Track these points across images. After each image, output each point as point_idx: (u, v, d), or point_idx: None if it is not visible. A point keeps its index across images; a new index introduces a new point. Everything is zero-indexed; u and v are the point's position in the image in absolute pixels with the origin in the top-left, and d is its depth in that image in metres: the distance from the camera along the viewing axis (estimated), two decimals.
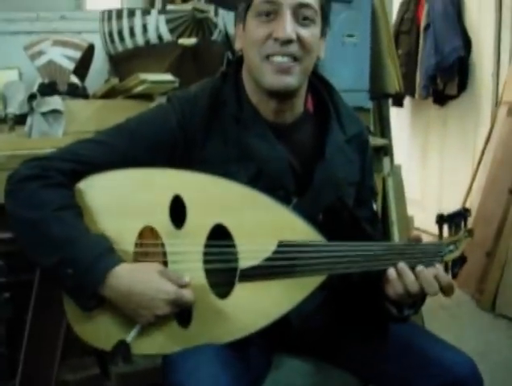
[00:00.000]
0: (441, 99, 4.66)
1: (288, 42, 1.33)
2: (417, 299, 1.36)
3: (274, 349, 1.55)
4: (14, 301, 1.90)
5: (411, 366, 1.42)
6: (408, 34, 4.76)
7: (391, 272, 1.32)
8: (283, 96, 1.41)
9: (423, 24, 4.63)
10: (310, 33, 1.36)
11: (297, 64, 1.36)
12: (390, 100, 3.33)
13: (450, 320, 2.91)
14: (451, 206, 1.38)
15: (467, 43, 4.37)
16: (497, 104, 4.04)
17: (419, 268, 1.32)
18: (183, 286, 1.29)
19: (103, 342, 1.35)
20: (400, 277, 1.32)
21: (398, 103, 4.63)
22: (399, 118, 4.85)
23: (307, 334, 1.54)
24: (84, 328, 1.36)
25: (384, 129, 2.93)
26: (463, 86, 4.46)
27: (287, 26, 1.33)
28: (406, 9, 4.80)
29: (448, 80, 4.46)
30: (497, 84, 4.17)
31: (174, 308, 1.29)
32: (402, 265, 1.32)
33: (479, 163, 3.96)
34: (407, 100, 4.93)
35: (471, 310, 3.46)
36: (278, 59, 1.35)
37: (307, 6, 1.35)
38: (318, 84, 1.53)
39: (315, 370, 1.56)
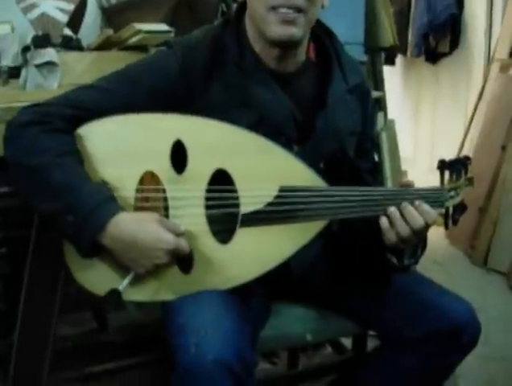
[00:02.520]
0: (433, 57, 4.64)
1: None
2: (412, 242, 1.35)
3: (274, 297, 1.56)
4: (10, 256, 1.90)
5: (409, 311, 1.44)
6: None
7: (383, 221, 1.33)
8: (287, 45, 1.40)
9: None
10: None
11: (302, 15, 1.35)
12: (383, 57, 3.32)
13: (443, 276, 2.93)
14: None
15: (459, 1, 4.34)
16: (489, 61, 4.02)
17: (403, 204, 1.32)
18: (179, 235, 1.29)
19: (101, 288, 1.35)
20: (391, 221, 1.32)
21: (391, 61, 4.60)
22: (391, 77, 4.82)
23: (306, 281, 1.55)
24: (83, 273, 1.37)
25: (378, 82, 2.93)
26: (455, 44, 4.44)
27: None
28: None
29: (441, 37, 4.44)
30: (490, 41, 4.15)
31: (172, 257, 1.29)
32: (392, 209, 1.32)
33: (471, 120, 3.96)
34: (399, 59, 4.90)
35: (464, 265, 3.49)
36: (283, 10, 1.33)
37: None
38: (320, 33, 1.51)
39: (313, 316, 1.59)
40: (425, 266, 1.50)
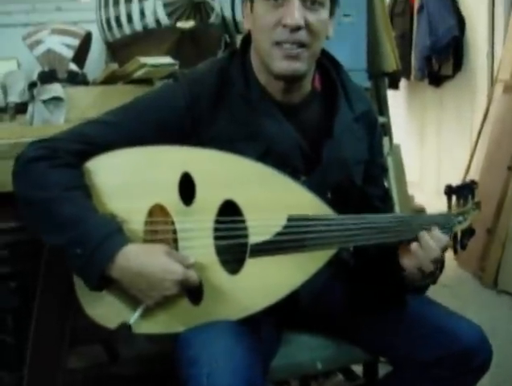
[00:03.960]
0: (437, 80, 4.67)
1: (297, 28, 1.32)
2: (429, 270, 1.35)
3: (283, 326, 1.56)
4: (20, 290, 1.90)
5: (420, 336, 1.44)
6: (402, 16, 4.78)
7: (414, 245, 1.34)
8: (291, 79, 1.40)
9: (416, 5, 4.65)
10: (318, 18, 1.35)
11: (305, 50, 1.36)
12: (386, 82, 3.34)
13: (453, 298, 2.93)
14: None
15: (461, 23, 4.38)
16: (492, 82, 4.04)
17: (420, 233, 1.33)
18: (189, 267, 1.29)
19: (109, 321, 1.35)
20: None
21: (394, 85, 4.62)
22: (396, 101, 4.86)
23: (315, 310, 1.55)
24: (93, 307, 1.37)
25: (382, 108, 2.93)
26: (458, 66, 4.47)
27: (296, 13, 1.31)
28: None
29: (443, 60, 4.47)
30: (492, 62, 4.17)
31: (181, 288, 1.29)
32: (414, 246, 1.33)
33: (476, 142, 3.96)
34: (403, 83, 4.94)
35: (473, 287, 3.49)
36: (287, 45, 1.34)
37: None
38: (325, 62, 1.52)
39: (323, 344, 1.59)
40: (434, 289, 1.49)
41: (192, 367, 1.23)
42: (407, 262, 1.35)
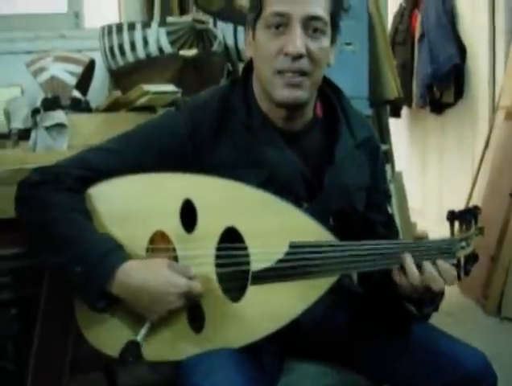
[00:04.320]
0: (438, 107, 4.68)
1: (299, 57, 1.33)
2: (432, 295, 1.35)
3: (285, 354, 1.54)
4: (21, 317, 1.89)
5: (423, 362, 1.42)
6: (403, 45, 4.80)
7: (395, 273, 1.33)
8: (293, 107, 1.41)
9: (417, 34, 4.66)
10: (320, 46, 1.36)
11: (307, 79, 1.37)
12: (388, 110, 3.35)
13: (456, 326, 2.90)
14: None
15: (462, 51, 4.40)
16: (494, 109, 4.05)
17: (424, 264, 1.32)
18: (191, 278, 1.29)
19: (112, 347, 1.35)
20: (405, 274, 1.32)
21: (396, 113, 4.64)
22: (397, 129, 4.86)
23: (317, 337, 1.53)
24: (95, 333, 1.37)
25: (384, 135, 2.94)
26: (459, 94, 4.48)
27: (298, 41, 1.33)
28: (399, 20, 4.84)
29: (445, 88, 4.48)
30: (494, 89, 4.18)
31: (185, 301, 1.29)
32: (408, 260, 1.32)
33: (479, 169, 3.96)
34: (405, 111, 4.94)
35: (477, 315, 3.46)
36: (288, 74, 1.35)
37: (317, 18, 1.35)
38: (327, 89, 1.53)
39: (326, 372, 1.56)
40: (437, 317, 1.49)
41: None
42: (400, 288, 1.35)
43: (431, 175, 4.98)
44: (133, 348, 1.31)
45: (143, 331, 1.31)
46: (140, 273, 1.28)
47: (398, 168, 3.41)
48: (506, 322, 3.32)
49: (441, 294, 1.38)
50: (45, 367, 1.77)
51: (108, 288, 1.27)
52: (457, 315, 3.35)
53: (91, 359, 1.76)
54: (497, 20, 4.11)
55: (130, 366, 1.43)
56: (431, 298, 1.37)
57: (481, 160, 3.95)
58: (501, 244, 3.45)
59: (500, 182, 3.62)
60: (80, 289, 1.30)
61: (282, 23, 1.35)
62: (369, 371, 1.54)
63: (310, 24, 1.35)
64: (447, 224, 1.39)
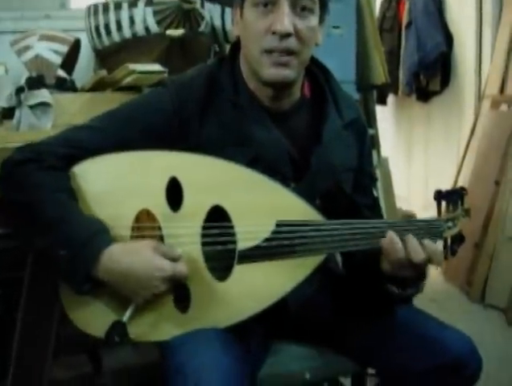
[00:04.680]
0: (424, 95, 4.69)
1: (286, 35, 1.32)
2: (411, 274, 1.32)
3: (272, 336, 1.54)
4: (4, 299, 1.88)
5: (410, 346, 1.42)
6: (390, 32, 4.80)
7: (383, 240, 1.30)
8: (280, 86, 1.40)
9: (404, 22, 4.67)
10: (308, 24, 1.35)
11: (294, 58, 1.36)
12: (375, 96, 3.35)
13: (440, 313, 2.90)
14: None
15: (449, 39, 4.41)
16: (480, 98, 4.07)
17: (407, 236, 1.30)
18: (176, 260, 1.28)
19: (98, 328, 1.33)
20: (390, 243, 1.30)
21: (382, 100, 4.65)
22: (383, 116, 4.87)
23: (304, 319, 1.53)
24: (80, 315, 1.36)
25: (370, 120, 2.94)
26: (446, 82, 4.50)
27: (285, 20, 1.32)
28: (387, 7, 4.84)
29: (431, 76, 4.49)
30: (480, 78, 4.20)
31: (170, 285, 1.27)
32: (391, 233, 1.30)
33: (464, 157, 3.98)
34: (391, 98, 4.96)
35: (461, 302, 3.49)
36: (276, 54, 1.34)
37: None
38: (315, 69, 1.52)
39: (312, 354, 1.57)
40: (421, 304, 1.49)
41: (179, 377, 1.21)
42: (384, 263, 1.33)
43: (416, 163, 5.00)
44: (119, 328, 1.29)
45: (128, 312, 1.29)
46: (124, 258, 1.26)
47: (383, 155, 3.41)
48: (490, 309, 3.34)
49: (423, 275, 1.37)
50: (28, 349, 1.75)
51: (93, 271, 1.25)
52: (441, 302, 3.36)
53: (75, 342, 1.75)
54: (484, 9, 4.12)
55: (114, 348, 1.42)
56: (413, 280, 1.36)
57: (467, 148, 3.97)
58: (486, 231, 3.48)
59: (485, 169, 3.64)
60: (65, 272, 1.28)
61: (269, 1, 1.33)
62: (355, 354, 1.54)
63: (298, 2, 1.34)
64: (432, 211, 1.38)
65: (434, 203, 1.38)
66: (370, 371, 1.69)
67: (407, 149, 5.11)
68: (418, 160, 4.97)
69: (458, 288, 3.61)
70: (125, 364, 2.12)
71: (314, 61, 1.52)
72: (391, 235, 1.29)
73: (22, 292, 1.70)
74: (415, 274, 1.33)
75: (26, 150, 1.33)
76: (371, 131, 2.78)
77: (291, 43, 1.34)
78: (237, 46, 1.47)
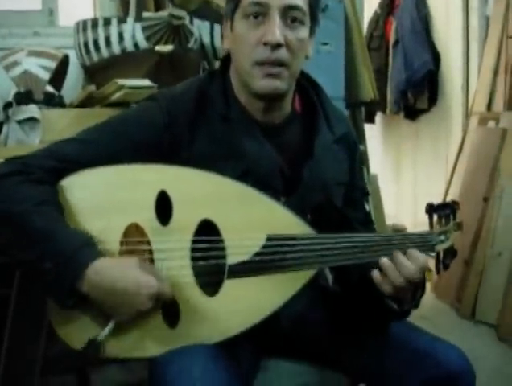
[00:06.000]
0: (412, 113, 4.72)
1: (277, 46, 1.33)
2: (408, 290, 1.32)
3: (262, 353, 1.52)
4: None
5: (404, 361, 1.40)
6: (378, 51, 4.84)
7: (375, 274, 1.30)
8: (271, 98, 1.40)
9: (391, 40, 4.71)
10: (298, 36, 1.36)
11: (285, 69, 1.36)
12: (363, 113, 3.36)
13: (431, 330, 2.90)
14: (426, 219, 1.38)
15: (436, 58, 4.45)
16: (467, 115, 4.09)
17: (394, 253, 1.29)
18: (162, 279, 1.26)
19: (79, 343, 1.29)
20: (385, 272, 1.30)
21: (370, 119, 4.66)
22: (371, 134, 4.89)
23: (295, 336, 1.52)
24: (66, 329, 1.32)
25: (359, 137, 2.94)
26: (433, 100, 4.53)
27: (276, 30, 1.32)
28: (374, 26, 4.88)
29: (419, 94, 4.52)
30: (467, 95, 4.23)
31: (155, 303, 1.25)
32: (384, 261, 1.29)
33: (452, 174, 4.00)
34: (379, 117, 4.98)
35: (451, 318, 3.48)
36: (267, 65, 1.34)
37: (295, 7, 1.34)
38: (305, 84, 1.52)
39: (304, 370, 1.55)
40: (412, 321, 1.48)
41: None
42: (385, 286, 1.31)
43: (405, 181, 5.01)
44: (92, 347, 1.26)
45: (106, 330, 1.27)
46: (110, 273, 1.23)
47: (372, 172, 3.42)
48: (480, 326, 3.34)
49: (422, 290, 1.38)
50: (16, 368, 1.73)
51: (78, 285, 1.23)
52: (432, 319, 3.35)
53: (64, 361, 1.72)
54: (470, 27, 4.16)
55: (102, 367, 1.39)
56: (411, 295, 1.35)
57: (455, 165, 3.99)
58: (475, 248, 3.48)
59: (474, 186, 3.65)
60: (50, 285, 1.25)
61: (260, 13, 1.34)
62: (348, 370, 1.52)
63: (288, 13, 1.34)
64: (422, 229, 1.37)
65: (423, 222, 1.38)
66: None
67: (396, 167, 5.12)
68: (406, 178, 4.99)
69: (448, 305, 3.61)
70: (113, 383, 2.10)
71: (304, 76, 1.52)
72: (384, 263, 1.29)
73: (9, 310, 1.68)
74: (414, 289, 1.33)
75: (13, 163, 1.31)
76: (361, 147, 2.78)
77: (282, 54, 1.34)
78: (227, 59, 1.46)
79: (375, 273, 1.30)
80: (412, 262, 1.28)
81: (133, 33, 2.14)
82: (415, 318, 1.46)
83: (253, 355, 1.46)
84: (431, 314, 3.42)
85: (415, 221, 4.53)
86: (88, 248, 1.25)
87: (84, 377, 2.16)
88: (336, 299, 1.56)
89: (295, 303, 1.31)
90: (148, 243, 1.29)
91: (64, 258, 1.22)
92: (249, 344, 1.40)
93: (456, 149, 4.02)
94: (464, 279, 3.51)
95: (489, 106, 3.79)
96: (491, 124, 3.76)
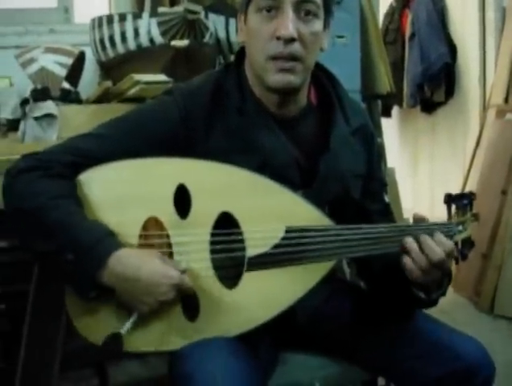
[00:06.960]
0: (429, 107, 4.69)
1: (291, 40, 1.32)
2: (436, 276, 1.31)
3: (281, 346, 1.52)
4: (9, 312, 1.86)
5: (423, 354, 1.40)
6: (393, 45, 4.80)
7: (405, 259, 1.30)
8: (286, 92, 1.40)
9: (407, 34, 4.67)
10: (312, 29, 1.35)
11: (299, 63, 1.35)
12: (380, 106, 3.34)
13: (449, 323, 2.88)
14: (443, 213, 1.39)
15: (452, 50, 4.41)
16: (484, 108, 4.06)
17: (422, 237, 1.29)
18: (182, 272, 1.26)
19: (100, 337, 1.30)
20: (409, 253, 1.30)
21: (387, 113, 4.64)
22: (388, 128, 4.86)
23: (313, 328, 1.52)
24: (84, 323, 1.33)
25: (376, 130, 2.93)
26: (450, 93, 4.49)
27: (289, 24, 1.31)
28: (390, 19, 4.84)
29: (435, 87, 4.49)
30: (484, 88, 4.19)
31: (176, 294, 1.25)
32: (409, 241, 1.29)
33: (470, 167, 3.97)
34: (395, 110, 4.95)
35: (469, 312, 3.46)
36: (280, 60, 1.34)
37: (309, 0, 1.33)
38: (321, 76, 1.51)
39: (322, 363, 1.55)
40: (430, 314, 1.48)
41: (189, 384, 1.19)
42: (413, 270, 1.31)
43: (422, 175, 4.98)
44: (115, 341, 1.27)
45: (128, 324, 1.27)
46: (132, 262, 1.24)
47: (389, 166, 3.39)
48: (499, 320, 3.31)
49: (449, 278, 1.37)
50: (35, 364, 1.74)
51: (99, 276, 1.23)
52: (450, 313, 3.33)
53: (82, 356, 1.73)
54: (487, 18, 4.12)
55: (121, 361, 1.40)
56: (438, 283, 1.35)
57: (473, 158, 3.96)
58: (494, 242, 3.45)
59: (491, 179, 3.62)
60: (71, 277, 1.26)
61: (273, 6, 1.33)
62: (366, 363, 1.52)
63: (302, 7, 1.33)
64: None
65: (440, 216, 1.39)
66: (381, 380, 1.67)
67: (413, 161, 5.10)
68: (423, 172, 4.96)
69: (467, 299, 3.59)
70: (132, 377, 2.10)
71: (320, 67, 1.51)
72: (408, 242, 1.29)
73: (28, 305, 1.69)
74: (440, 275, 1.32)
75: (31, 158, 1.32)
76: (378, 140, 2.77)
77: (296, 48, 1.33)
78: (242, 52, 1.46)
79: (405, 259, 1.30)
80: (440, 246, 1.28)
81: (148, 28, 2.13)
82: (434, 311, 1.45)
83: (271, 348, 1.47)
84: (450, 308, 3.40)
85: (432, 215, 4.46)
86: (109, 238, 1.25)
87: (103, 371, 2.17)
88: (354, 292, 1.56)
89: (311, 298, 1.31)
90: (167, 236, 1.30)
91: (86, 248, 1.22)
92: (267, 337, 1.40)
93: (474, 143, 3.98)
94: (482, 273, 3.48)
95: (507, 99, 3.75)
96: (509, 116, 3.72)
